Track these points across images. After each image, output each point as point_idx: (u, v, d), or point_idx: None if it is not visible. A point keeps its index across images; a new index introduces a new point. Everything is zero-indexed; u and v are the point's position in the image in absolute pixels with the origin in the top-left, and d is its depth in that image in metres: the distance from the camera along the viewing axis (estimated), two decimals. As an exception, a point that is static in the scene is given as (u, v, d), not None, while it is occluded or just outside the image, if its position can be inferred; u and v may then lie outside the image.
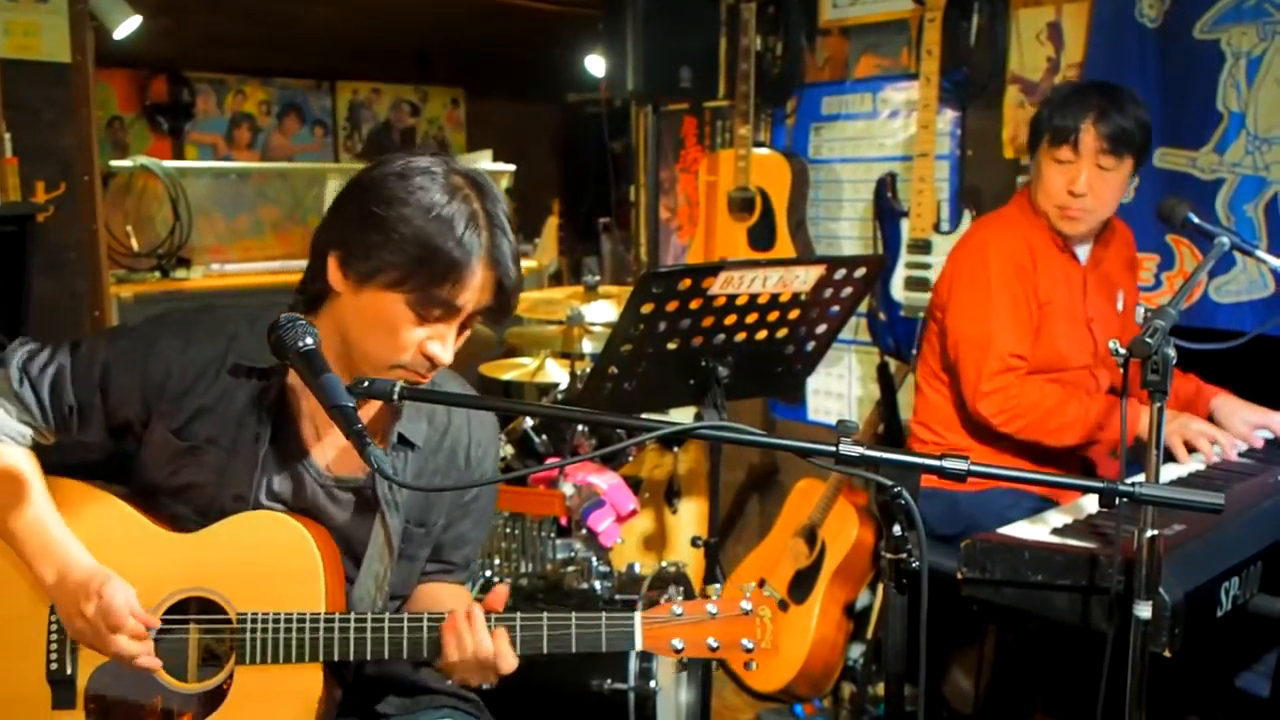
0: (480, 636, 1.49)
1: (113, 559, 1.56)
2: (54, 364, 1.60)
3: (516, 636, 1.51)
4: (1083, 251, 2.55)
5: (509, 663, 1.50)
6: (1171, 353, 1.56)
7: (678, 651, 1.50)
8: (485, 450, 1.75)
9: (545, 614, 1.52)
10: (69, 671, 1.58)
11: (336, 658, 1.54)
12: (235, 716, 1.56)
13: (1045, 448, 2.42)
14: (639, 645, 1.50)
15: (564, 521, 2.94)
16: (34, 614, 1.60)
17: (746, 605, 1.50)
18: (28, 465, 1.59)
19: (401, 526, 1.65)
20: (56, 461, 1.65)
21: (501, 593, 1.57)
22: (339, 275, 1.52)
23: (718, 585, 1.58)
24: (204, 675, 1.58)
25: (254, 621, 1.54)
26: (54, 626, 1.59)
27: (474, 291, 1.49)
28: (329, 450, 1.65)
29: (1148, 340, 1.56)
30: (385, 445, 1.64)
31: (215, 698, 1.57)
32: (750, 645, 1.50)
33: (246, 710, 1.56)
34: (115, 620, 1.49)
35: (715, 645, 1.49)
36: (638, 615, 1.51)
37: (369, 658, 1.54)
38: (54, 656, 1.58)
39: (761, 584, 3.40)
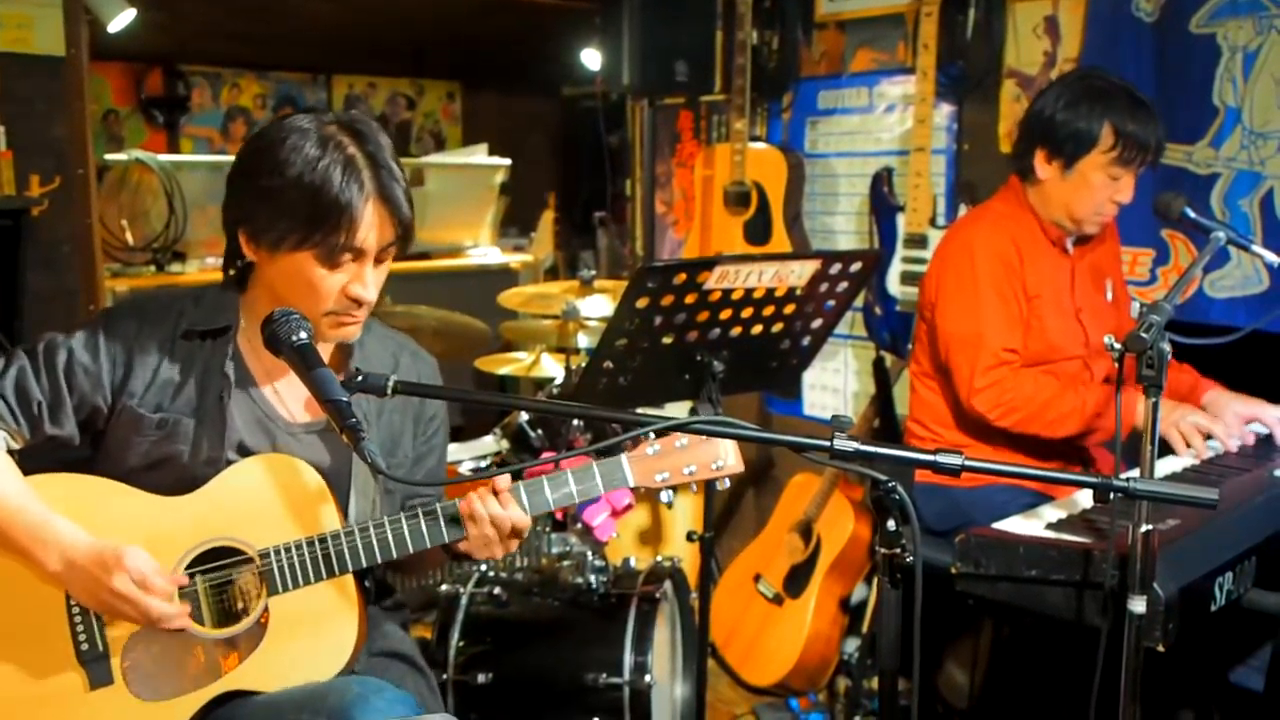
0: (493, 505, 1.61)
1: (126, 533, 1.57)
2: (13, 367, 1.64)
3: (524, 500, 1.64)
4: (1069, 243, 2.55)
5: (525, 521, 1.64)
6: (1166, 348, 1.56)
7: (663, 482, 1.67)
8: (434, 382, 1.87)
9: (544, 477, 1.66)
10: (101, 649, 1.58)
11: (364, 563, 1.61)
12: (280, 644, 1.60)
13: (1043, 440, 2.42)
14: (631, 481, 1.66)
15: (559, 516, 2.94)
16: (49, 601, 1.59)
17: None
18: (2, 462, 1.60)
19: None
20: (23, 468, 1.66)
21: (504, 480, 1.66)
22: (250, 248, 1.63)
23: None
24: (239, 618, 1.61)
25: (276, 553, 1.59)
26: (75, 608, 1.59)
27: (371, 229, 1.58)
28: (290, 399, 1.74)
29: (1143, 335, 1.56)
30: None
31: (256, 634, 1.60)
32: (719, 464, 1.67)
33: (290, 636, 1.60)
34: (149, 584, 1.51)
35: (691, 469, 1.67)
36: (624, 456, 1.67)
37: (395, 555, 1.61)
38: (82, 637, 1.58)
39: (757, 579, 3.41)
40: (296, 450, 1.71)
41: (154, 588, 1.51)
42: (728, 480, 1.70)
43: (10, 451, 1.64)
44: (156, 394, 1.65)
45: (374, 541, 1.61)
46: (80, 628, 1.58)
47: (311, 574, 1.60)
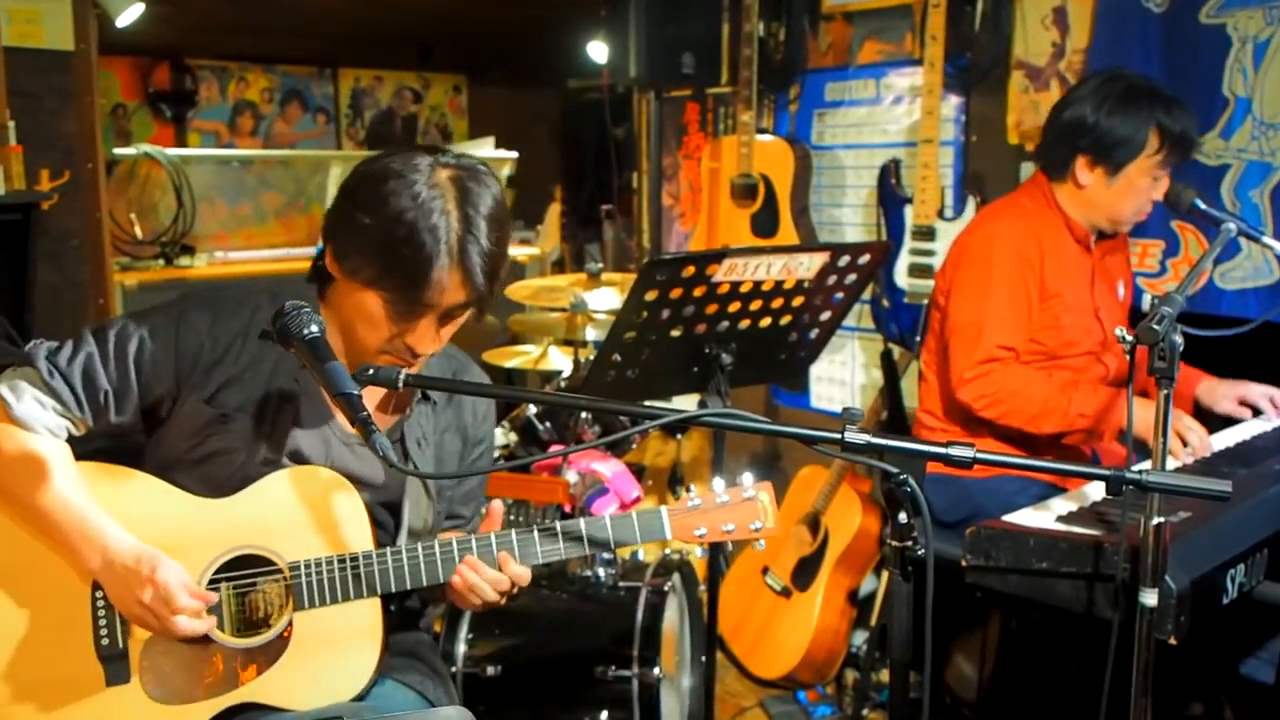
0: (488, 573, 1.61)
1: (157, 532, 1.57)
2: (81, 353, 1.61)
3: (516, 552, 1.63)
4: (1092, 241, 2.56)
5: (525, 580, 1.64)
6: (1178, 339, 1.56)
7: (700, 537, 1.66)
8: (488, 406, 1.90)
9: (581, 520, 1.66)
10: (121, 646, 1.58)
11: (394, 587, 1.60)
12: (301, 660, 1.59)
13: (1045, 437, 2.42)
14: (669, 535, 1.66)
15: (568, 509, 2.94)
16: (75, 593, 1.59)
17: (749, 492, 1.67)
18: (60, 454, 1.60)
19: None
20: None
21: (497, 511, 1.67)
22: (334, 265, 1.60)
23: (720, 479, 1.69)
24: (260, 628, 1.60)
25: (306, 567, 1.59)
26: (100, 603, 1.59)
27: (444, 292, 1.55)
28: None
29: (1154, 327, 1.55)
30: (411, 401, 1.75)
31: (277, 648, 1.59)
32: (758, 525, 1.67)
33: (311, 653, 1.60)
34: (175, 604, 1.51)
35: (730, 528, 1.66)
36: (664, 509, 1.67)
37: (425, 582, 1.61)
38: (103, 633, 1.58)
39: (765, 571, 3.41)
40: (350, 462, 1.69)
41: (179, 606, 1.51)
42: (762, 542, 1.70)
43: (70, 437, 1.63)
44: (222, 390, 1.63)
45: (405, 566, 1.60)
46: (103, 623, 1.58)
47: (340, 593, 1.59)
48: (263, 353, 1.65)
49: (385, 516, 1.71)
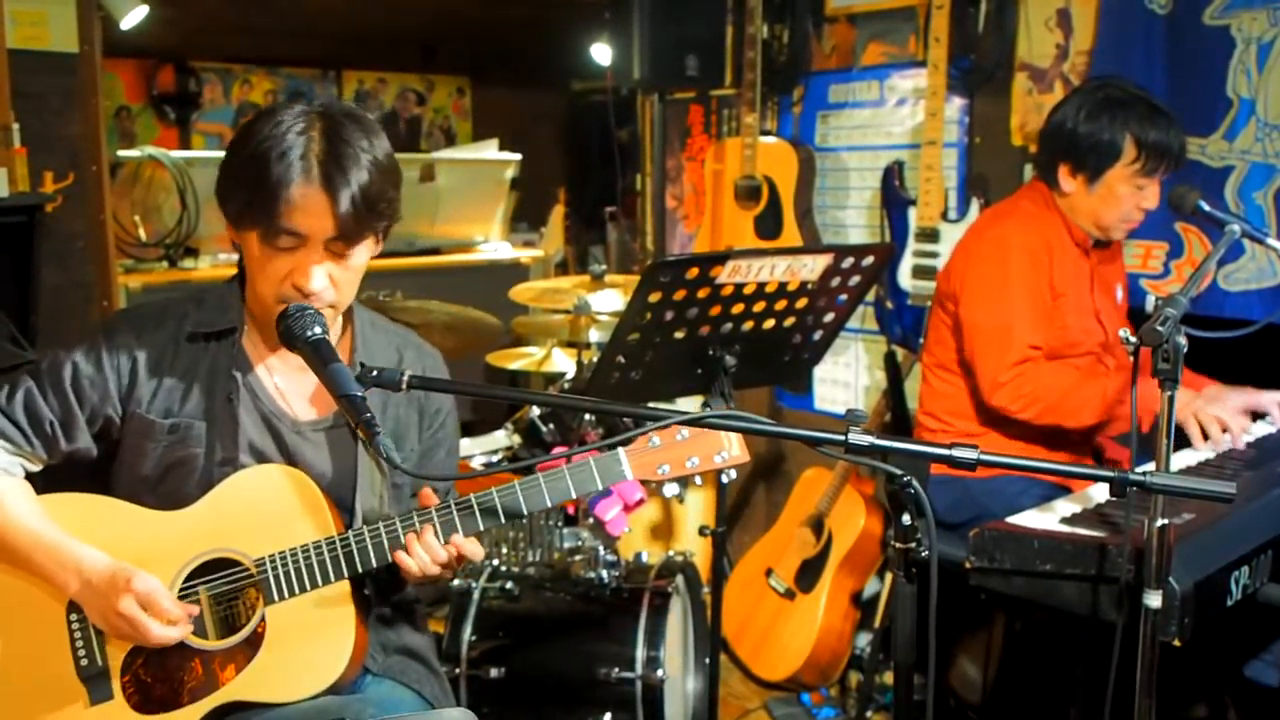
0: (432, 547, 1.60)
1: (125, 549, 1.58)
2: (20, 390, 1.65)
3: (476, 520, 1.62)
4: (1090, 246, 2.57)
5: (477, 554, 1.63)
6: (1182, 341, 1.56)
7: (665, 475, 1.64)
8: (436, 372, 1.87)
9: (540, 475, 1.62)
10: (100, 664, 1.59)
11: (360, 568, 1.60)
12: (277, 653, 1.60)
13: (1059, 432, 2.42)
14: (630, 475, 1.62)
15: (571, 510, 2.95)
16: (50, 617, 1.60)
17: None
18: (19, 490, 1.63)
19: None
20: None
21: (428, 497, 1.65)
22: (229, 228, 1.62)
23: None
24: (236, 629, 1.61)
25: (272, 561, 1.60)
26: (75, 624, 1.60)
27: (310, 216, 1.53)
28: (294, 397, 1.73)
29: (1159, 328, 1.55)
30: None
31: (254, 644, 1.60)
32: (723, 456, 1.64)
33: (286, 644, 1.60)
34: (158, 607, 1.53)
35: (694, 462, 1.64)
36: (622, 451, 1.63)
37: (389, 560, 1.61)
38: (81, 653, 1.59)
39: (769, 574, 3.40)
40: (303, 448, 1.71)
41: (160, 610, 1.53)
42: (733, 471, 1.67)
43: (30, 474, 1.66)
44: (165, 399, 1.65)
45: (369, 546, 1.61)
46: (80, 645, 1.60)
47: (306, 581, 1.60)
48: (196, 356, 1.68)
49: (345, 499, 1.71)
